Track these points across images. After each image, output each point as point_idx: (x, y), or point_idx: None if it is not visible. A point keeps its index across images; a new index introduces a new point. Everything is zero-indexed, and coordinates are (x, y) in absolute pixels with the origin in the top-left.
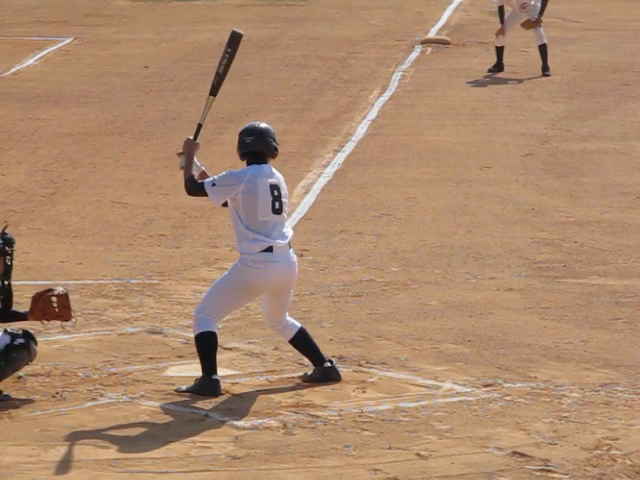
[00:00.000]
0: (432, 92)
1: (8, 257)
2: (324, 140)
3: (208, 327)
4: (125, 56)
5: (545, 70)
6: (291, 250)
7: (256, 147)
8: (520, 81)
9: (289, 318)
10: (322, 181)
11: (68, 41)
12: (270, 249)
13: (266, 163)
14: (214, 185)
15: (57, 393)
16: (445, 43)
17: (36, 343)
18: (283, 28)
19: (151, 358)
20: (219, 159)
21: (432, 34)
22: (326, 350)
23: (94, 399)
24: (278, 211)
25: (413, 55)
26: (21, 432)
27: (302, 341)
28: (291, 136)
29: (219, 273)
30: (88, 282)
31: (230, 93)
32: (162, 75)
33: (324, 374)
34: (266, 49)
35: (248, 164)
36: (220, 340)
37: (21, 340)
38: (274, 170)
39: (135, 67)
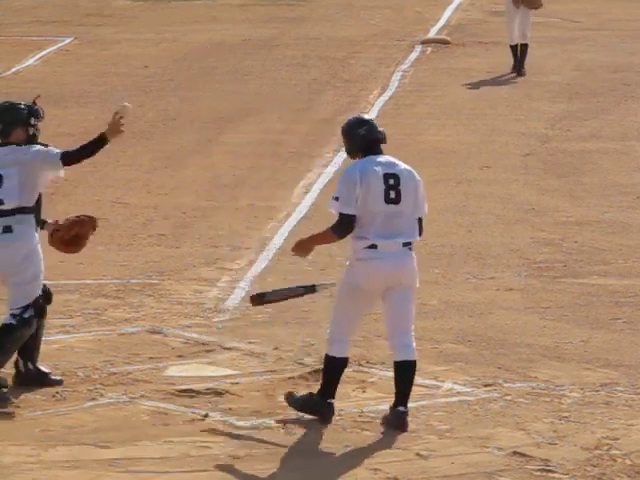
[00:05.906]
0: (432, 92)
1: (31, 128)
2: (324, 140)
3: (333, 352)
4: (125, 56)
5: (520, 69)
6: (406, 247)
7: (373, 134)
8: (520, 81)
9: (411, 341)
10: (322, 181)
11: (68, 41)
12: (374, 246)
13: (381, 153)
14: (338, 200)
15: (57, 393)
16: (445, 43)
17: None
18: (283, 28)
19: (151, 358)
20: (219, 159)
21: (432, 34)
22: None
23: (94, 399)
24: (394, 201)
25: (413, 55)
26: (21, 432)
27: (404, 372)
28: (291, 136)
29: (219, 273)
30: (88, 282)
31: (230, 93)
32: (162, 75)
33: (393, 418)
34: (266, 49)
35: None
36: (220, 340)
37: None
38: (392, 159)
39: (135, 67)
